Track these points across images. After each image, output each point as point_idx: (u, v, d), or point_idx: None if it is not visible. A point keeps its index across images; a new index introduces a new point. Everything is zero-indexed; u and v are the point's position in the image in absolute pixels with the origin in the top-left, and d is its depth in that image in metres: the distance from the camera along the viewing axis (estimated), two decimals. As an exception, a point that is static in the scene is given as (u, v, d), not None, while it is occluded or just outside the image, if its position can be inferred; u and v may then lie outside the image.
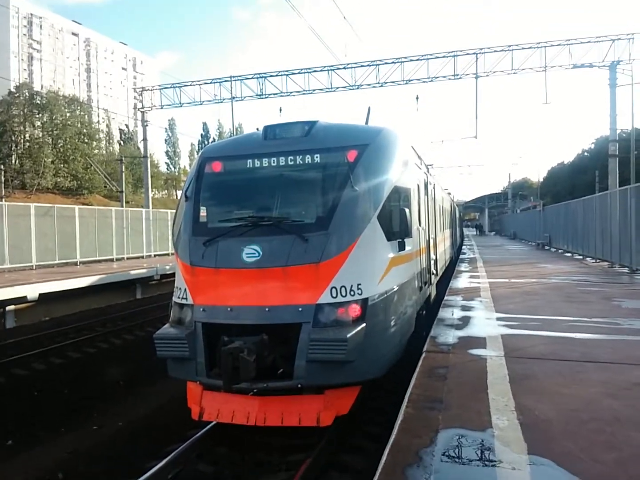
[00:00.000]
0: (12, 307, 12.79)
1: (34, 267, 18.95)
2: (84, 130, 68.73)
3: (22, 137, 63.65)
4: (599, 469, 3.18)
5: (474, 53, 26.59)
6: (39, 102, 64.54)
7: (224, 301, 5.75)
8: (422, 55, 27.24)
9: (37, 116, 64.78)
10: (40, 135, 64.08)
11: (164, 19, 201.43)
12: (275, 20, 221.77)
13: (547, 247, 29.55)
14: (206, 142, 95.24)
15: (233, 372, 5.05)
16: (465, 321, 7.86)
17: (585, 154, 74.44)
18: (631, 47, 24.77)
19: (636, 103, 24.91)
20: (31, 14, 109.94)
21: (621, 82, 25.25)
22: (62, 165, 60.85)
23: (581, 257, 21.53)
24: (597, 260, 18.94)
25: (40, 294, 13.04)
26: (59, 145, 63.02)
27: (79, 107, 71.51)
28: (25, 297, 12.61)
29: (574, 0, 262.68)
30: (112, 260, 23.87)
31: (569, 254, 23.84)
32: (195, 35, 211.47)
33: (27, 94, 64.84)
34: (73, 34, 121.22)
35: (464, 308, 9.09)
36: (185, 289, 6.07)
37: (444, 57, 26.95)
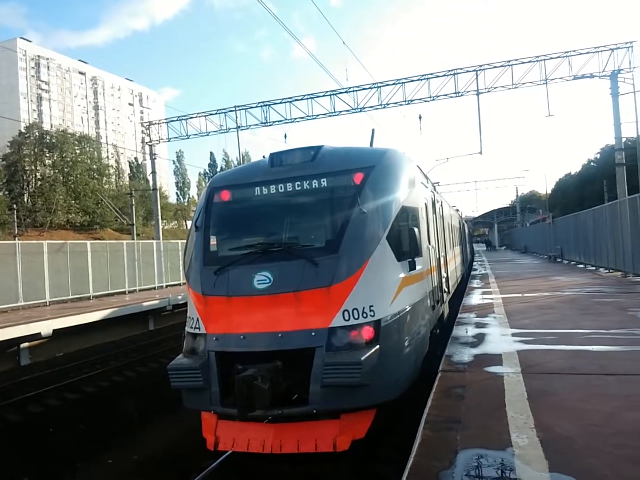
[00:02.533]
0: (26, 344, 12.87)
1: (47, 304, 19.08)
2: (94, 167, 69.96)
3: (34, 176, 64.90)
4: (625, 484, 3.11)
5: (473, 70, 26.84)
6: (48, 141, 65.92)
7: (237, 329, 5.76)
8: (423, 75, 27.57)
9: (48, 155, 66.12)
10: (52, 174, 65.27)
11: (164, 56, 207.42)
12: (274, 52, 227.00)
13: (559, 260, 29.28)
14: (214, 172, 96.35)
15: (247, 400, 5.03)
16: (480, 338, 7.78)
17: (592, 164, 74.22)
18: (631, 56, 24.87)
19: (640, 110, 24.77)
20: (38, 56, 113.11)
21: (623, 90, 25.30)
22: (73, 202, 61.76)
23: (594, 268, 21.29)
24: (610, 271, 18.72)
25: (54, 330, 13.13)
26: (70, 182, 64.07)
27: (88, 144, 72.88)
28: (40, 333, 12.69)
29: (571, 12, 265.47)
30: (124, 292, 23.99)
31: (582, 266, 23.60)
32: (195, 69, 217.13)
33: (37, 133, 66.38)
34: (80, 72, 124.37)
35: (478, 325, 9.01)
36: (197, 319, 6.09)
37: (444, 75, 27.24)
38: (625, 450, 3.56)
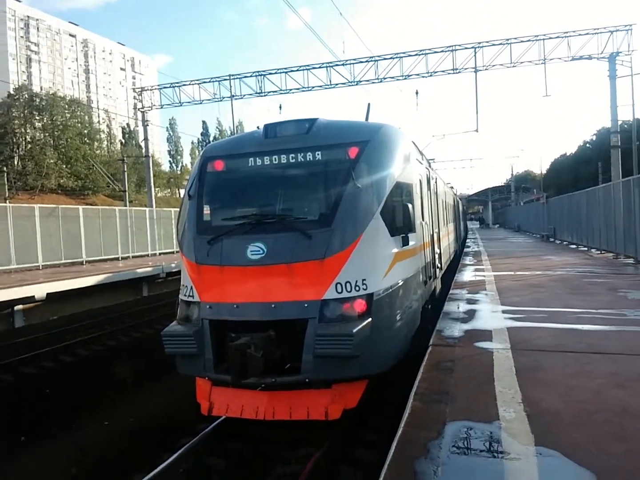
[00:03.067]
0: (20, 306, 12.88)
1: (40, 267, 19.05)
2: (85, 131, 68.79)
3: (24, 138, 63.74)
4: (607, 460, 3.20)
5: (472, 47, 26.47)
6: (38, 103, 64.57)
7: (230, 298, 5.80)
8: (421, 50, 27.18)
9: (37, 118, 64.83)
10: (42, 137, 64.16)
11: (155, 22, 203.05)
12: (268, 22, 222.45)
13: (551, 239, 29.49)
14: (207, 141, 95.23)
15: (241, 368, 5.10)
16: (470, 314, 7.88)
17: (587, 145, 74.19)
18: (630, 38, 24.66)
19: (636, 94, 24.65)
20: (28, 17, 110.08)
21: (621, 73, 25.15)
22: (64, 166, 60.91)
23: (586, 248, 21.48)
24: (602, 252, 18.89)
25: (47, 294, 13.11)
26: (61, 147, 63.08)
27: (78, 108, 71.48)
28: (33, 296, 12.69)
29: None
30: (117, 259, 23.96)
31: (574, 246, 23.79)
32: (187, 37, 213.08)
33: (26, 95, 64.88)
34: (70, 35, 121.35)
35: (470, 301, 9.11)
36: (191, 287, 6.12)
37: (442, 51, 26.86)
38: (608, 426, 3.66)
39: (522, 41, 25.97)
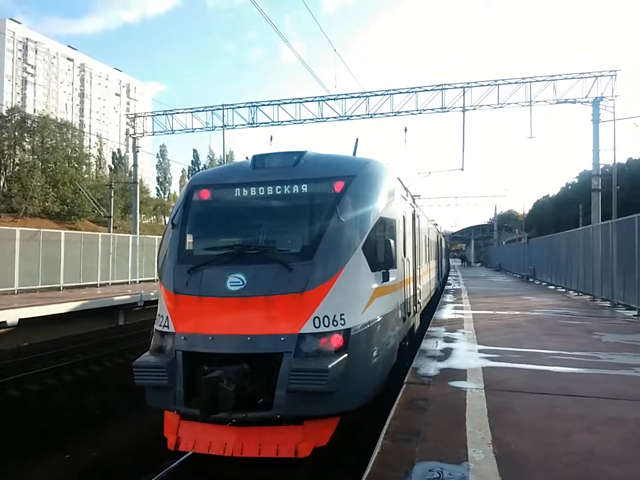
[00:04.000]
0: (-10, 331, 12.58)
1: (15, 292, 18.71)
2: (74, 155, 68.69)
3: (12, 160, 63.39)
4: (572, 503, 3.20)
5: (461, 87, 27.24)
6: (29, 125, 64.57)
7: (206, 330, 5.73)
8: (411, 88, 27.86)
9: (28, 140, 64.71)
10: (30, 159, 63.89)
11: (152, 50, 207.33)
12: (263, 54, 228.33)
13: (531, 280, 29.80)
14: (196, 169, 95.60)
15: (212, 402, 5.01)
16: (447, 353, 7.89)
17: (569, 187, 75.78)
18: (614, 84, 25.44)
19: (619, 138, 25.39)
20: (27, 39, 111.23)
21: (604, 117, 25.90)
22: (50, 190, 60.50)
23: (564, 290, 21.75)
24: (580, 294, 19.15)
25: (20, 319, 12.85)
26: (49, 170, 62.78)
27: (69, 132, 71.57)
28: (5, 322, 12.42)
29: (558, 36, 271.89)
30: (96, 285, 23.63)
31: (553, 287, 24.07)
32: (183, 66, 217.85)
33: (18, 117, 64.93)
34: (68, 59, 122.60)
35: (447, 339, 9.13)
36: (167, 317, 6.05)
37: (432, 90, 27.57)
38: (575, 469, 3.67)
39: (509, 83, 26.76)
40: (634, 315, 12.64)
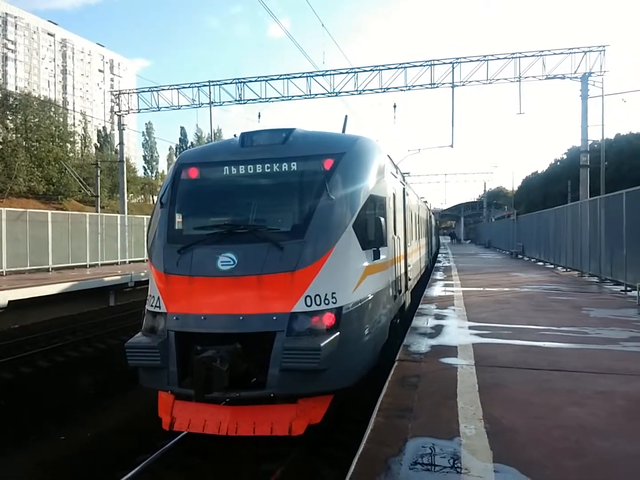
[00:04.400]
0: (-21, 314, 12.49)
1: (4, 273, 18.53)
2: (58, 133, 67.44)
3: (-5, 139, 62.15)
4: (563, 476, 3.27)
5: (450, 62, 27.00)
6: (12, 103, 63.12)
7: (198, 309, 5.71)
8: (400, 64, 27.57)
9: (10, 118, 63.34)
10: (13, 138, 62.65)
11: (135, 25, 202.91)
12: (249, 30, 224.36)
13: (520, 256, 30.08)
14: (184, 147, 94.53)
15: (205, 382, 5.01)
16: (438, 330, 7.96)
17: (558, 163, 76.13)
18: (603, 59, 25.37)
19: (607, 114, 25.43)
20: (6, 14, 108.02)
21: (593, 93, 25.87)
22: (35, 169, 59.50)
23: (552, 266, 21.99)
24: (568, 270, 19.38)
25: (9, 301, 12.75)
26: (33, 149, 61.65)
27: (53, 110, 70.11)
28: (-6, 303, 12.33)
29: (547, 12, 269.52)
30: (85, 266, 23.47)
31: (541, 263, 24.33)
32: (167, 41, 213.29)
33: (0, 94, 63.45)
34: (49, 34, 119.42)
35: (438, 316, 9.21)
36: (158, 297, 6.01)
37: (421, 65, 27.31)
38: (565, 443, 3.73)
39: (498, 58, 26.57)
40: (621, 291, 12.83)
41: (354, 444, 4.42)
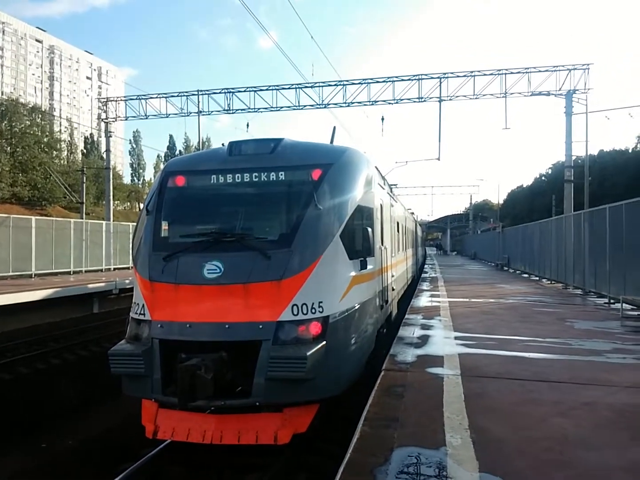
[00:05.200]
0: (-42, 320, 12.23)
1: (-15, 279, 18.20)
2: (44, 139, 66.80)
3: (-21, 144, 61.35)
4: (547, 486, 3.27)
5: (437, 77, 27.38)
6: (-3, 108, 62.51)
7: (183, 317, 5.66)
8: (388, 77, 27.92)
9: (-5, 123, 62.64)
10: (-2, 143, 61.91)
11: (122, 34, 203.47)
12: (237, 41, 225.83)
13: (505, 268, 30.34)
14: (172, 155, 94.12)
15: (189, 390, 4.96)
16: (424, 340, 7.97)
17: (543, 178, 77.30)
18: (587, 77, 25.94)
19: (591, 131, 25.92)
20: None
21: (577, 110, 26.38)
22: (20, 175, 58.78)
23: (537, 278, 22.19)
24: (552, 282, 19.57)
25: (-10, 307, 12.51)
26: (17, 154, 60.95)
27: (39, 116, 69.52)
28: (-26, 310, 12.09)
29: (533, 30, 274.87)
30: (69, 273, 23.15)
31: (526, 275, 24.54)
32: (154, 51, 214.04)
33: (-15, 100, 62.80)
34: (37, 40, 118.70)
35: (424, 327, 9.22)
36: (143, 305, 5.95)
37: (409, 79, 27.65)
38: (550, 454, 3.74)
39: (485, 74, 27.03)
40: (605, 303, 12.97)
41: (339, 453, 4.39)
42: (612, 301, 12.71)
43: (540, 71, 26.59)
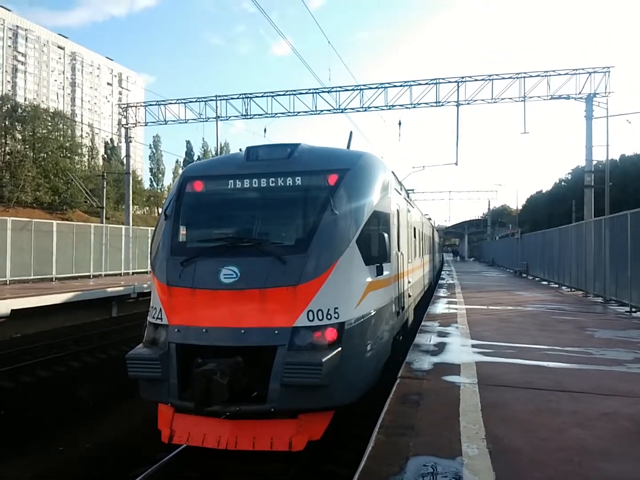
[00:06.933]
0: (-19, 322, 12.49)
1: (7, 283, 18.56)
2: (67, 145, 68.07)
3: (3, 150, 62.77)
4: (565, 499, 3.21)
5: (455, 81, 27.21)
6: (20, 114, 63.88)
7: (200, 322, 5.70)
8: (405, 82, 27.81)
9: (19, 129, 64.06)
10: (21, 149, 63.27)
11: (139, 42, 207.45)
12: (252, 48, 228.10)
13: (524, 275, 29.95)
14: (190, 161, 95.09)
15: (205, 395, 4.98)
16: (440, 347, 7.90)
17: (563, 183, 76.30)
18: (607, 80, 25.47)
19: (612, 135, 25.49)
20: (17, 26, 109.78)
21: (597, 114, 25.93)
22: (42, 180, 59.95)
23: (557, 285, 21.86)
24: (572, 289, 19.26)
25: (12, 310, 12.75)
26: (40, 160, 62.20)
27: (62, 121, 70.90)
28: (-3, 312, 12.33)
29: (553, 33, 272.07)
30: (89, 277, 23.51)
31: (545, 282, 24.20)
32: (171, 58, 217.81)
33: (9, 106, 64.21)
34: (59, 47, 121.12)
35: (441, 334, 9.14)
36: (160, 309, 6.01)
37: (426, 84, 27.53)
38: (569, 465, 3.67)
39: (503, 78, 26.77)
40: (626, 312, 12.72)
41: (354, 461, 4.37)
42: (633, 310, 12.46)
43: (559, 74, 26.21)
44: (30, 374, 11.73)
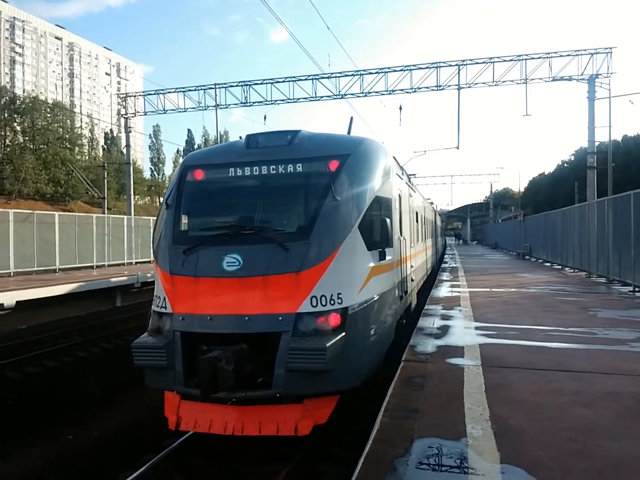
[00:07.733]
0: (-13, 315, 12.58)
1: (11, 274, 18.65)
2: (66, 136, 67.88)
3: (2, 142, 62.68)
4: (570, 477, 3.24)
5: (456, 65, 26.94)
6: (19, 106, 63.65)
7: (204, 310, 5.73)
8: (406, 66, 27.54)
9: (18, 121, 63.87)
10: (21, 140, 63.15)
11: (136, 32, 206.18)
12: (249, 37, 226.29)
13: (527, 257, 29.93)
14: (191, 149, 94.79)
15: (211, 382, 5.02)
16: (444, 330, 7.93)
17: (565, 165, 75.87)
18: (610, 61, 25.20)
19: (614, 116, 25.24)
20: (14, 17, 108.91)
21: (599, 95, 25.70)
22: (43, 171, 59.89)
23: (560, 266, 21.86)
24: (575, 270, 19.26)
25: (17, 302, 12.82)
26: (40, 151, 62.09)
27: (61, 112, 70.63)
28: (2, 304, 12.40)
29: (554, 14, 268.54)
30: (92, 267, 23.60)
31: (548, 264, 24.19)
32: (168, 48, 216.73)
33: (7, 98, 63.95)
34: (56, 38, 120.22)
35: (444, 317, 9.17)
36: (164, 298, 6.03)
37: (427, 68, 27.27)
38: (572, 444, 3.70)
39: (504, 60, 26.50)
40: (629, 291, 12.73)
41: (359, 444, 4.41)
42: (636, 289, 12.46)
43: (561, 56, 25.92)
44: (37, 365, 11.82)
